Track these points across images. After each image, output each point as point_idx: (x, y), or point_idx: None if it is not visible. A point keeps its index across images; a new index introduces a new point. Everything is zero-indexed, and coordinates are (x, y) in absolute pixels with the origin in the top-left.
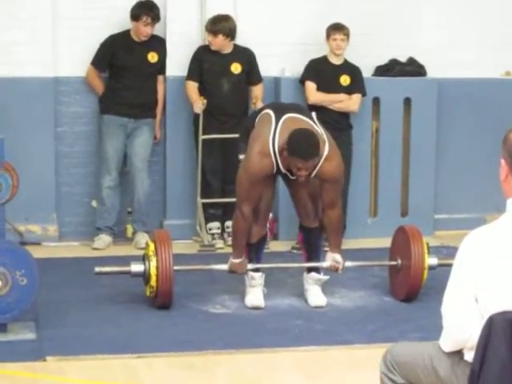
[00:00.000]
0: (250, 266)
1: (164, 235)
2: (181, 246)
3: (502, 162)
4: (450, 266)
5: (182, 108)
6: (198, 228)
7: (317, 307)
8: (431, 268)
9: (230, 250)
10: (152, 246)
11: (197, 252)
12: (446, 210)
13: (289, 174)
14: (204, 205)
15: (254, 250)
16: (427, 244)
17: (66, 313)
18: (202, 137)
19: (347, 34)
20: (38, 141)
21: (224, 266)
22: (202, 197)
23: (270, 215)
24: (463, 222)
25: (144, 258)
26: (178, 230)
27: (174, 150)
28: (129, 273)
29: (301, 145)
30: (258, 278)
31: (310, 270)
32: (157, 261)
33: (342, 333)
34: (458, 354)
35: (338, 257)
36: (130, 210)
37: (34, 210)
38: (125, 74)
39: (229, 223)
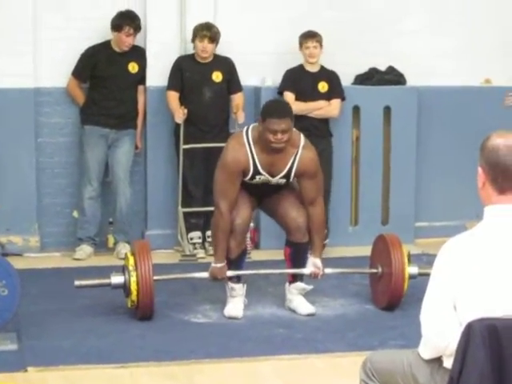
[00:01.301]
0: (229, 273)
1: (143, 247)
2: (162, 256)
3: (480, 169)
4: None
5: (162, 118)
6: (179, 237)
7: (308, 315)
8: (412, 277)
9: (211, 259)
10: (131, 260)
11: (178, 262)
12: (427, 217)
13: (267, 175)
14: (185, 214)
15: (233, 265)
16: (408, 252)
17: (48, 323)
18: (182, 146)
19: (319, 41)
20: (18, 152)
21: (205, 274)
22: (183, 206)
23: (251, 225)
24: (444, 230)
25: (124, 270)
26: (159, 239)
27: (154, 160)
28: (109, 285)
29: (274, 105)
30: (239, 288)
31: (294, 280)
32: (136, 275)
33: (322, 341)
34: (437, 361)
35: (318, 262)
36: (111, 220)
37: (16, 221)
38: (105, 84)
39: (210, 233)
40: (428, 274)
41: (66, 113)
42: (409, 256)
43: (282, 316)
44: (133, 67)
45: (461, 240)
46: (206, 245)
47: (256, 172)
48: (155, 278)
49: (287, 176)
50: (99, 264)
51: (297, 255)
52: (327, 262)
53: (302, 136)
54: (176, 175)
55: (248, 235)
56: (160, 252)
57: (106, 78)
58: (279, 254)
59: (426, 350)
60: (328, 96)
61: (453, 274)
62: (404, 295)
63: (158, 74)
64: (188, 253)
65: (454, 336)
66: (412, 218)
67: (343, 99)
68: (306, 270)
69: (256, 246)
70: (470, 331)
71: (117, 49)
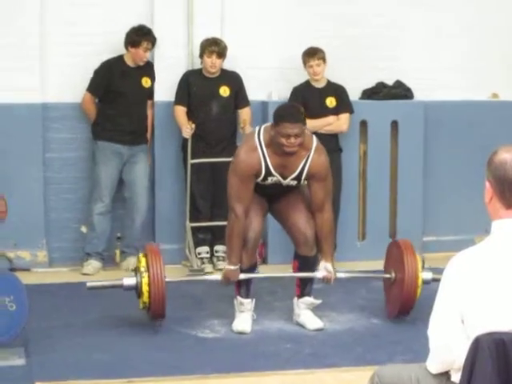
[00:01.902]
0: (242, 276)
1: (155, 249)
2: (170, 271)
3: (487, 184)
4: None
5: (170, 133)
6: (187, 252)
7: (316, 330)
8: (426, 282)
9: (219, 274)
10: (143, 261)
11: (186, 276)
12: (435, 232)
13: (279, 177)
14: (193, 229)
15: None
16: (422, 258)
17: (56, 338)
18: (190, 161)
19: (322, 58)
20: (26, 167)
21: (218, 277)
22: (191, 221)
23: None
24: (452, 244)
25: (136, 271)
26: (167, 254)
27: (162, 174)
28: (121, 287)
29: (287, 110)
30: (247, 303)
31: (302, 294)
32: (148, 276)
33: (330, 356)
34: (445, 375)
35: (330, 267)
36: (119, 235)
37: (24, 236)
38: (120, 100)
39: (218, 247)
40: None
41: (74, 128)
42: (423, 262)
43: (290, 331)
44: (146, 82)
45: (468, 254)
46: (214, 260)
47: (268, 173)
48: (167, 280)
49: (298, 178)
50: (107, 279)
51: (304, 269)
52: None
53: (314, 138)
54: (184, 190)
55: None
56: (168, 267)
57: (121, 93)
58: (287, 269)
59: (434, 364)
60: (336, 111)
61: (460, 287)
62: (417, 300)
63: (165, 88)
64: (196, 267)
65: (461, 350)
66: (420, 232)
67: (351, 113)
68: (319, 274)
69: (264, 260)
70: (477, 345)
71: (131, 64)
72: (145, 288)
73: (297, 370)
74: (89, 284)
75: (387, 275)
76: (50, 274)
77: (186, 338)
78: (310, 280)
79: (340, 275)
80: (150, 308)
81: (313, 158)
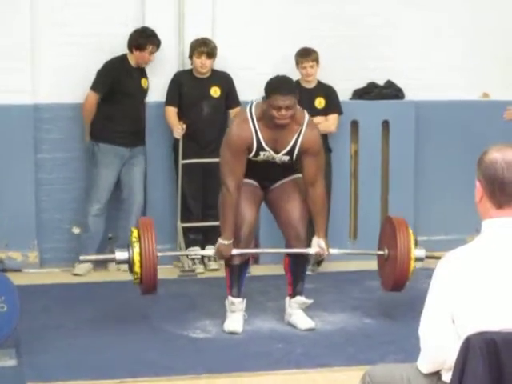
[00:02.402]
0: (235, 251)
1: (147, 222)
2: (161, 271)
3: (477, 183)
4: (438, 258)
5: (161, 133)
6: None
7: (308, 330)
8: (418, 259)
9: (210, 274)
10: (135, 233)
11: (177, 277)
12: (426, 231)
13: (271, 151)
14: (184, 230)
15: (235, 273)
16: (415, 235)
17: (47, 339)
18: (181, 161)
19: (316, 59)
20: (17, 167)
21: (211, 252)
22: (182, 221)
23: None
24: (443, 244)
25: (128, 246)
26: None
27: (154, 175)
28: (113, 260)
29: (278, 82)
30: (238, 303)
31: (293, 294)
32: (140, 247)
33: (322, 356)
34: (436, 375)
35: (322, 243)
36: (110, 235)
37: (15, 237)
38: (124, 100)
39: (209, 248)
40: (436, 257)
41: (66, 129)
42: (415, 239)
43: (282, 331)
44: (144, 83)
45: (459, 254)
46: (205, 260)
47: (260, 148)
48: (159, 254)
49: (291, 152)
50: (99, 280)
51: (296, 266)
52: (326, 277)
53: (306, 114)
54: (175, 190)
55: None
56: (159, 267)
57: (126, 93)
58: (279, 269)
59: (425, 364)
60: (325, 112)
61: (451, 287)
62: (410, 277)
63: (156, 89)
64: (187, 268)
65: (452, 350)
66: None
67: (340, 114)
68: (311, 250)
69: (255, 261)
70: (468, 345)
71: (133, 64)
72: (136, 258)
73: (288, 370)
74: (82, 257)
75: (380, 252)
76: (41, 275)
77: (178, 338)
78: (302, 278)
79: (333, 251)
80: (141, 280)
81: (305, 132)
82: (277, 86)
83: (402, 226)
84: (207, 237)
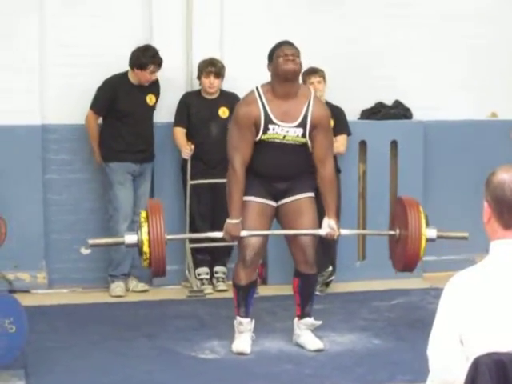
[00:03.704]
0: (244, 233)
1: (156, 203)
2: (170, 292)
3: (485, 204)
4: (450, 238)
5: (169, 153)
6: (187, 273)
7: (316, 350)
8: (430, 240)
9: (219, 295)
10: (144, 214)
11: (186, 298)
12: (435, 251)
13: (281, 123)
14: (192, 250)
15: (242, 294)
16: (426, 215)
17: (56, 360)
18: (190, 182)
19: (323, 76)
20: (26, 188)
21: (220, 234)
22: (191, 242)
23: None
24: (452, 264)
25: (137, 229)
26: (166, 275)
27: (162, 195)
28: (123, 243)
29: (280, 41)
30: (247, 323)
31: (302, 315)
32: (148, 226)
33: (331, 377)
34: None
35: (333, 223)
36: None
37: (23, 258)
38: (125, 119)
39: (217, 268)
40: (448, 237)
41: (73, 149)
42: (426, 218)
43: (290, 351)
44: (150, 99)
45: (467, 274)
46: (214, 281)
47: (268, 120)
48: (168, 237)
49: (303, 124)
50: (107, 300)
51: (305, 288)
52: (335, 297)
53: (311, 89)
54: (183, 211)
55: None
56: (167, 288)
57: (127, 111)
58: (287, 289)
59: None
60: (333, 132)
61: (459, 308)
62: (421, 258)
63: (165, 110)
64: (196, 288)
65: (461, 371)
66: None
67: (349, 134)
68: (322, 231)
69: (264, 281)
70: (477, 366)
71: (135, 82)
72: (144, 237)
73: None
74: (91, 241)
75: (392, 232)
76: (49, 296)
77: (186, 359)
78: (311, 299)
79: (344, 232)
80: (150, 261)
81: (314, 104)
82: (280, 43)
83: (413, 206)
84: (215, 257)
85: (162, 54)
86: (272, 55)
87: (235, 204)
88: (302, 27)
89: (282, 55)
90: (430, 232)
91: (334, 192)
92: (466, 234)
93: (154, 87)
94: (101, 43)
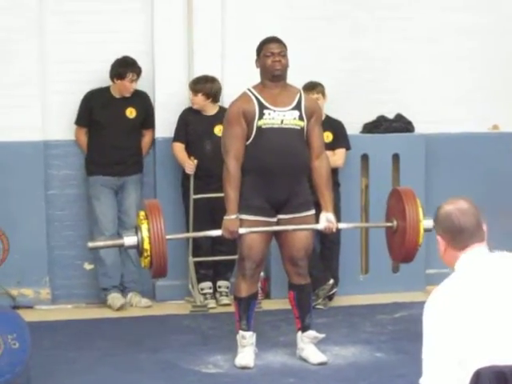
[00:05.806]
0: (242, 230)
1: (154, 203)
2: (173, 307)
3: (438, 238)
4: None
5: (169, 169)
6: (190, 287)
7: (320, 364)
8: (427, 230)
9: (222, 309)
10: (143, 213)
11: (189, 312)
12: (437, 264)
13: (275, 108)
14: (195, 265)
15: (243, 306)
16: (422, 206)
17: (59, 376)
18: (193, 196)
19: (322, 92)
20: (28, 204)
21: (219, 232)
22: (194, 255)
23: (262, 274)
24: None
25: (136, 230)
26: (169, 290)
27: (163, 210)
28: (122, 245)
29: (266, 37)
30: (249, 337)
31: (303, 328)
32: (148, 223)
33: None
34: None
35: (331, 216)
36: None
37: (26, 274)
38: (103, 131)
39: (220, 283)
40: None
41: (75, 165)
42: (423, 209)
43: (293, 365)
44: (130, 112)
45: (445, 291)
46: (217, 295)
47: (262, 106)
48: (168, 237)
49: (298, 107)
50: (110, 316)
51: (301, 299)
52: (338, 311)
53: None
54: (184, 226)
55: (258, 285)
56: (171, 303)
57: (103, 124)
58: (289, 303)
59: None
60: (332, 146)
61: (452, 331)
62: (419, 248)
63: (165, 125)
64: (199, 303)
65: None
66: (422, 265)
67: (348, 149)
68: (320, 226)
69: (266, 295)
70: (478, 379)
71: (116, 95)
72: (145, 234)
73: None
74: (90, 244)
75: (389, 224)
76: (53, 312)
77: (190, 374)
78: (309, 311)
79: (342, 225)
80: (151, 260)
81: (305, 96)
82: (266, 39)
83: (410, 197)
84: (218, 272)
85: (163, 70)
86: (260, 51)
87: (231, 201)
88: (304, 42)
89: (269, 55)
90: (426, 222)
91: (330, 186)
92: None
93: (138, 100)
94: (101, 60)
